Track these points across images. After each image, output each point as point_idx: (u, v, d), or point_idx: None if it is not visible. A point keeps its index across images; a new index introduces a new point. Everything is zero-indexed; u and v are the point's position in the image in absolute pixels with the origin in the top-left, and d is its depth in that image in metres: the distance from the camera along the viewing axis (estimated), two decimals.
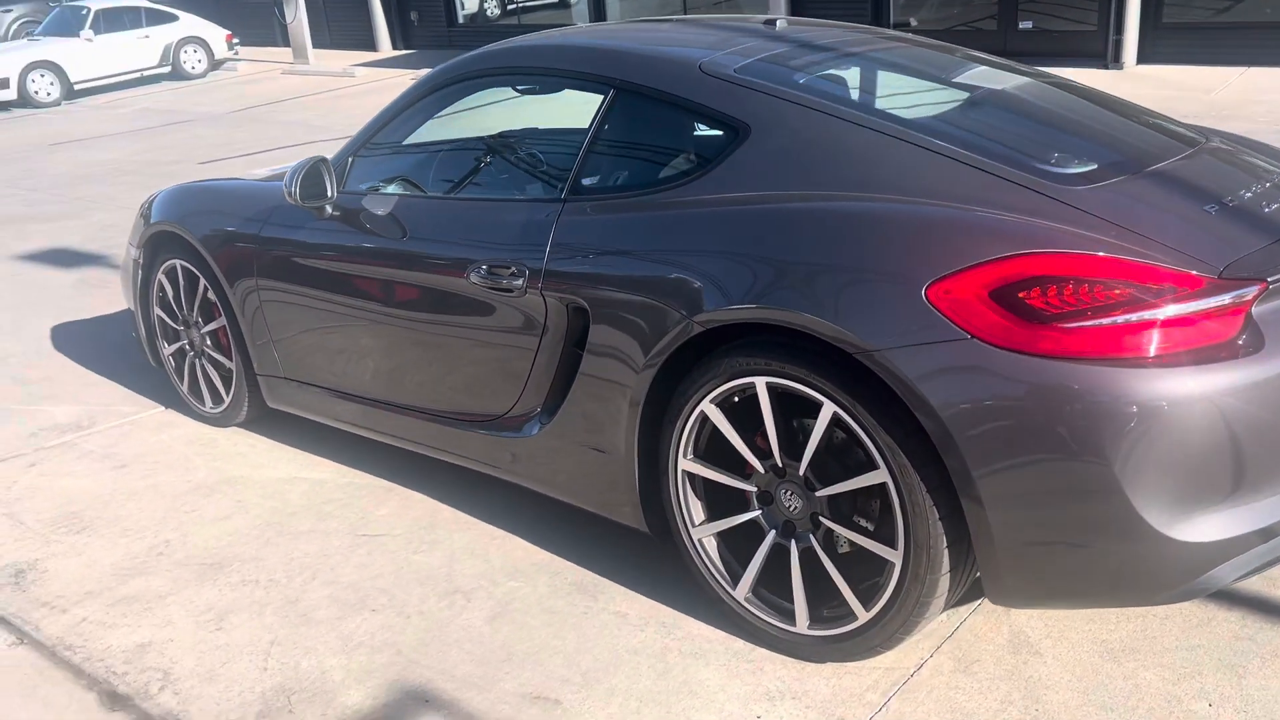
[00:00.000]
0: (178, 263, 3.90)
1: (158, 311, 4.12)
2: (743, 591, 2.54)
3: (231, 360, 3.84)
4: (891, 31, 3.35)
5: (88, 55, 15.31)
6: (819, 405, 2.28)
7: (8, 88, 14.58)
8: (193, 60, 16.44)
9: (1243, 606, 2.56)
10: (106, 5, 15.92)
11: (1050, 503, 2.08)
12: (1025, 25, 12.36)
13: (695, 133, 2.74)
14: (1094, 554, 2.10)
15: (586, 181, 2.83)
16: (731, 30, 3.13)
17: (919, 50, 3.22)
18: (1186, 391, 2.01)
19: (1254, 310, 2.09)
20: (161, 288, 4.05)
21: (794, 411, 2.37)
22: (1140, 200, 2.33)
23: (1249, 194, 2.42)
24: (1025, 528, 2.11)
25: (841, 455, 2.34)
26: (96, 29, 15.48)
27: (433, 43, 17.51)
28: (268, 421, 3.98)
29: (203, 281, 3.81)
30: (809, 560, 2.43)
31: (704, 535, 2.59)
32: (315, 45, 17.67)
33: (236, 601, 2.87)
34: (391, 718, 2.37)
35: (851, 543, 2.36)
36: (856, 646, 2.39)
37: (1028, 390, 2.04)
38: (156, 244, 4.00)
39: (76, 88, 15.35)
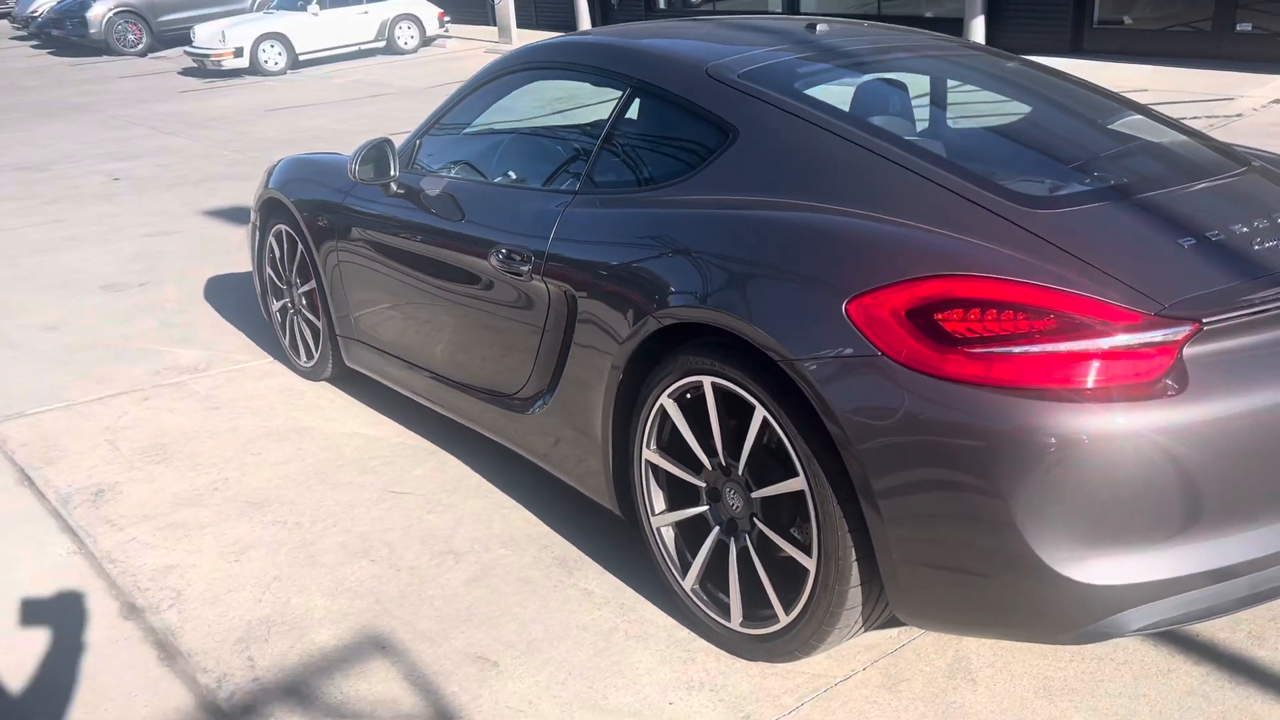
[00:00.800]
0: (283, 228, 4.28)
1: (268, 271, 4.52)
2: (690, 583, 2.61)
3: (319, 320, 4.19)
4: (941, 39, 3.27)
5: (313, 28, 16.49)
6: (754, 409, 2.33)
7: (241, 56, 15.90)
8: (406, 36, 17.41)
9: (1211, 660, 2.43)
10: None
11: (946, 527, 2.06)
12: (1244, 28, 11.44)
13: (694, 134, 2.81)
14: (990, 584, 2.07)
15: (597, 175, 2.95)
16: (765, 33, 3.16)
17: (953, 59, 3.15)
18: (1093, 429, 1.94)
19: (1186, 352, 2.00)
20: (271, 249, 4.44)
21: (738, 413, 2.43)
22: (1105, 228, 2.24)
23: (1247, 229, 2.28)
24: (923, 548, 2.10)
25: (775, 459, 2.38)
26: (322, 4, 16.65)
27: None
28: (350, 379, 4.31)
29: (300, 246, 4.17)
30: (749, 558, 2.48)
31: (662, 524, 2.68)
32: (521, 25, 18.37)
33: (261, 538, 3.17)
34: (345, 658, 2.60)
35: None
36: (778, 649, 2.43)
37: (928, 412, 2.03)
38: (268, 209, 4.39)
39: (301, 58, 16.57)
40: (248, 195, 8.12)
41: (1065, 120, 2.87)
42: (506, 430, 3.21)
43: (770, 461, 2.39)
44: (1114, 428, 1.94)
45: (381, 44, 17.30)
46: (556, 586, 2.86)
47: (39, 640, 2.72)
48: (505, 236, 3.05)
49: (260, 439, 3.89)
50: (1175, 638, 2.51)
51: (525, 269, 2.93)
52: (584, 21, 18.41)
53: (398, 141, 3.62)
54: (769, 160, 2.56)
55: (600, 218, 2.80)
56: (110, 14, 19.38)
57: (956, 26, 12.94)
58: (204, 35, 16.23)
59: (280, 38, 16.18)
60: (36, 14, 21.62)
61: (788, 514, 2.41)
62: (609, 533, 3.09)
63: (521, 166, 3.39)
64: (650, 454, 2.65)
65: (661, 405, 2.56)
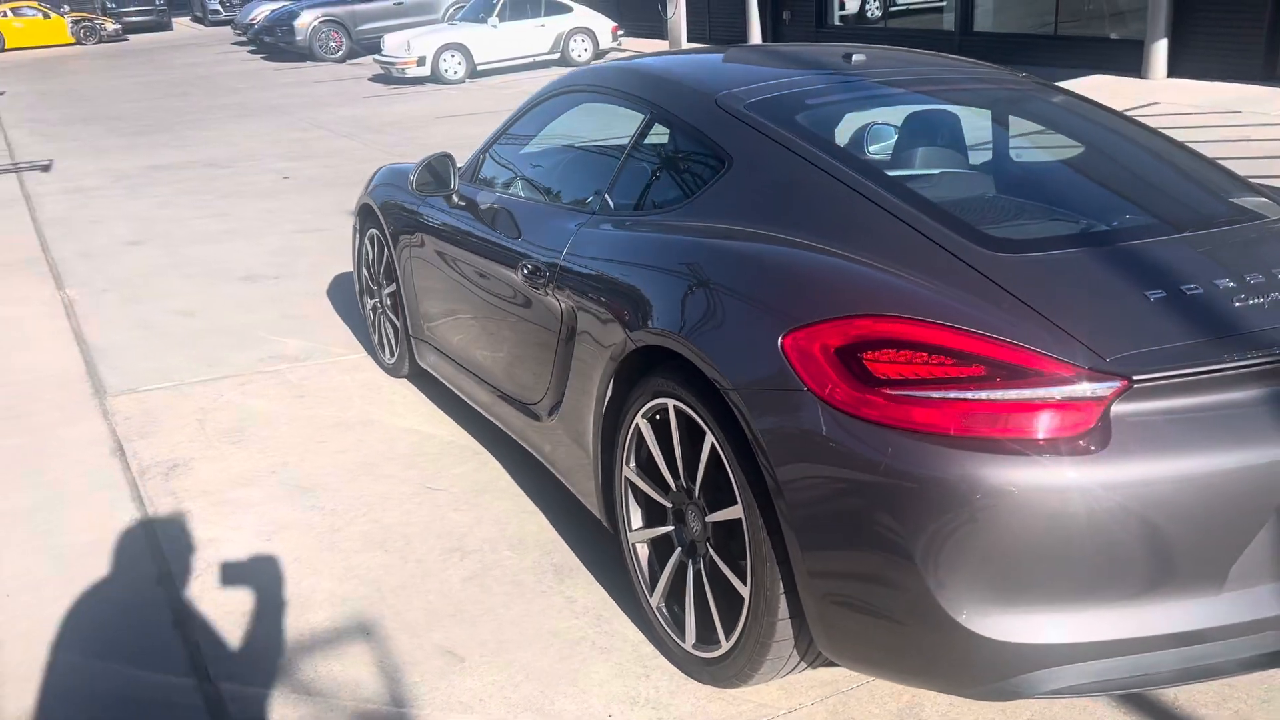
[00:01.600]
0: (374, 231, 4.56)
1: (363, 271, 4.82)
2: (656, 600, 2.66)
3: (399, 319, 4.44)
4: (991, 72, 3.18)
5: (491, 40, 17.19)
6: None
7: (423, 65, 16.74)
8: (579, 49, 17.91)
9: None
10: None
11: (859, 567, 2.04)
12: None
13: (698, 160, 2.85)
14: (901, 630, 2.03)
15: (615, 197, 3.04)
16: (797, 63, 3.17)
17: (986, 94, 3.07)
18: (1005, 481, 1.89)
19: (1116, 409, 1.92)
20: (365, 251, 4.73)
21: (696, 437, 2.46)
22: (1068, 275, 2.17)
23: (1233, 284, 2.16)
24: (839, 586, 2.08)
25: (724, 485, 2.40)
26: (502, 17, 17.34)
27: (801, 42, 17.77)
28: (425, 378, 4.53)
29: (386, 249, 4.43)
30: (703, 581, 2.51)
31: (637, 541, 2.74)
32: (697, 40, 18.61)
33: (297, 521, 3.41)
34: (330, 640, 2.77)
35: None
36: (720, 674, 2.45)
37: (846, 451, 2.02)
38: (364, 214, 4.68)
39: (479, 68, 17.30)
40: None
41: (1082, 160, 2.76)
42: (529, 436, 3.34)
43: (722, 487, 2.42)
44: (1028, 482, 1.89)
45: (556, 56, 17.85)
46: (544, 592, 2.96)
47: (79, 595, 3.02)
48: (532, 250, 3.18)
49: (329, 428, 4.15)
50: (1142, 702, 2.38)
51: (541, 282, 3.05)
52: (754, 37, 18.47)
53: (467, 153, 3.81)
54: (754, 189, 2.59)
55: (605, 238, 2.89)
56: (315, 22, 20.76)
57: (1138, 50, 12.31)
58: (392, 44, 17.17)
59: (461, 48, 16.94)
60: (254, 21, 23.37)
61: (738, 541, 2.43)
62: (610, 545, 3.16)
63: (558, 184, 3.52)
64: (629, 472, 2.71)
65: (637, 425, 2.63)
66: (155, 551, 3.25)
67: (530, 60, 17.74)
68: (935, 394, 1.97)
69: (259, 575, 3.09)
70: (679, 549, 2.58)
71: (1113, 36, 13.31)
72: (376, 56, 17.62)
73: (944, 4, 15.85)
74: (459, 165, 3.83)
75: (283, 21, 21.12)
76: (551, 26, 17.68)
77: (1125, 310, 2.09)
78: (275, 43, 21.39)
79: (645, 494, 2.69)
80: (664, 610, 2.65)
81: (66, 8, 30.64)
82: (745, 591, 2.30)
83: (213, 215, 8.43)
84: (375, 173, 4.74)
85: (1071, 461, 1.89)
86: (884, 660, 2.11)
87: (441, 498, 3.54)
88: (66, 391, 4.65)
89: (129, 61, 23.72)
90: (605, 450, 2.81)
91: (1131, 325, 2.04)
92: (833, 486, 2.04)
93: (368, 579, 3.06)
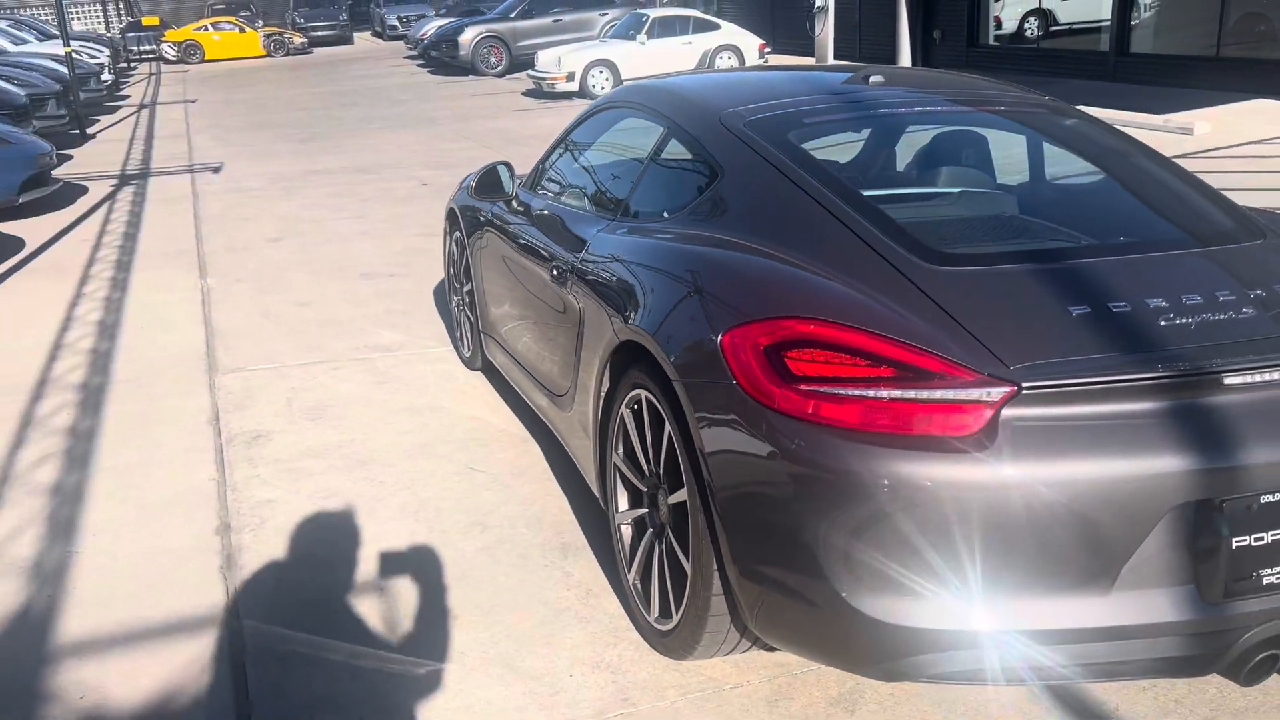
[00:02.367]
0: (457, 233, 4.92)
1: (450, 270, 5.20)
2: (631, 577, 2.88)
3: (474, 316, 4.78)
4: (993, 92, 3.27)
5: (639, 57, 17.62)
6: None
7: (572, 81, 17.32)
8: (724, 66, 18.14)
9: None
10: (664, 14, 18.18)
11: (770, 550, 2.21)
12: None
13: (698, 173, 3.05)
14: (803, 609, 2.19)
15: (632, 204, 3.28)
16: (811, 83, 3.33)
17: (992, 114, 3.16)
18: (895, 474, 2.03)
19: (1007, 414, 2.03)
20: (451, 252, 5.11)
21: (661, 426, 2.67)
22: (997, 288, 2.29)
23: (1166, 304, 2.23)
24: (754, 566, 2.26)
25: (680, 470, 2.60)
26: (650, 34, 17.76)
27: (950, 62, 17.53)
28: (497, 370, 4.86)
29: (465, 250, 4.79)
30: (665, 558, 2.71)
31: (622, 522, 2.96)
32: (845, 57, 18.60)
33: (346, 490, 3.77)
34: (346, 594, 3.10)
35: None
36: (670, 645, 2.64)
37: (761, 441, 2.19)
38: (450, 218, 5.05)
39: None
40: None
41: (1068, 182, 2.83)
42: (556, 424, 3.60)
43: (677, 472, 2.62)
44: (916, 476, 2.03)
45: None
46: (545, 566, 3.21)
47: (149, 539, 3.45)
48: (560, 252, 3.45)
49: (400, 412, 4.52)
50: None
51: (563, 282, 3.31)
52: (904, 56, 18.31)
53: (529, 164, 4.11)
54: (736, 199, 2.79)
55: (612, 242, 3.13)
56: (477, 38, 21.71)
57: None
58: (544, 60, 17.83)
59: (609, 64, 17.45)
60: (423, 37, 24.60)
61: (688, 522, 2.62)
62: None
63: (592, 192, 3.77)
64: (616, 458, 2.94)
65: (621, 415, 2.85)
66: (221, 507, 3.66)
67: None
68: (842, 391, 2.12)
69: (301, 533, 3.46)
70: (650, 530, 2.79)
71: (1277, 58, 12.65)
72: (529, 72, 18.31)
73: (1105, 24, 15.37)
74: (519, 173, 4.13)
75: (448, 37, 22.17)
76: (698, 44, 17.98)
77: (1042, 323, 2.19)
78: (440, 57, 22.46)
79: (628, 479, 2.91)
80: (637, 586, 2.86)
81: (261, 22, 32.92)
82: (688, 568, 2.49)
83: (351, 217, 9.05)
84: (463, 180, 5.11)
85: (957, 459, 2.02)
86: (793, 637, 2.27)
87: (480, 478, 3.84)
88: (186, 368, 5.19)
89: (309, 73, 25.34)
90: (601, 438, 3.05)
91: (1044, 337, 2.15)
92: (750, 473, 2.22)
93: (393, 543, 3.38)
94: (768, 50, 18.77)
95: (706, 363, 2.35)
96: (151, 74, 27.97)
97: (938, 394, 2.06)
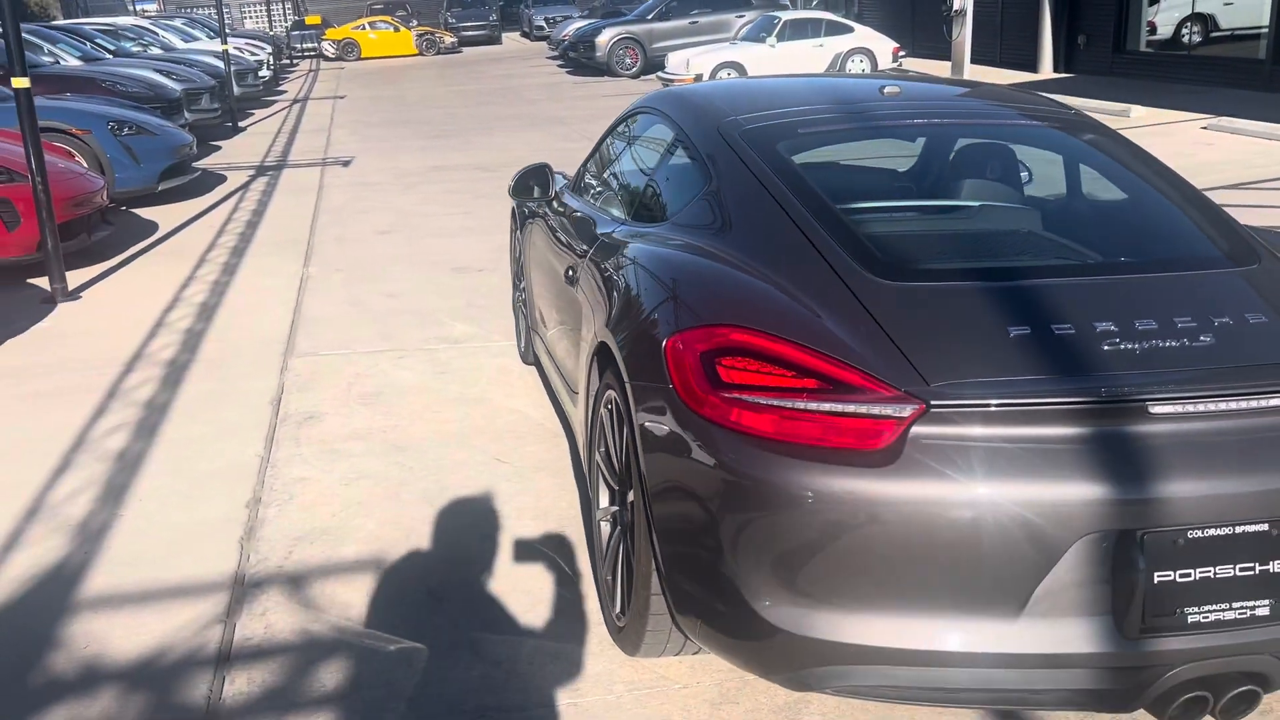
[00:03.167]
0: (517, 230, 5.08)
1: (512, 266, 5.36)
2: (604, 572, 2.94)
3: (526, 310, 4.93)
4: (1011, 107, 3.19)
5: (768, 59, 17.55)
6: None
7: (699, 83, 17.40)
8: (857, 69, 17.90)
9: None
10: (796, 16, 18.06)
11: (690, 551, 2.25)
12: None
13: (694, 179, 3.09)
14: (717, 613, 2.22)
15: (638, 208, 3.34)
16: (822, 93, 3.33)
17: (989, 124, 3.10)
18: (803, 484, 2.05)
19: (916, 431, 2.01)
20: (512, 249, 5.27)
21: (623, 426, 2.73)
22: (937, 306, 2.28)
23: (1115, 329, 2.17)
24: (678, 566, 2.30)
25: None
26: (780, 37, 17.68)
27: (1094, 68, 16.84)
28: None
29: (520, 247, 4.94)
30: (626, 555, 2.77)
31: (601, 518, 3.03)
32: (982, 62, 18.09)
33: (377, 472, 3.95)
34: (348, 569, 3.26)
35: None
36: (622, 641, 2.70)
37: (685, 444, 2.24)
38: (512, 216, 5.21)
39: None
40: None
41: (1060, 199, 2.75)
42: (570, 419, 3.70)
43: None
44: (820, 488, 2.04)
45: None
46: (540, 557, 3.31)
47: (188, 507, 3.71)
48: (574, 253, 3.54)
49: (449, 402, 4.70)
50: None
51: (573, 282, 3.41)
52: (1045, 62, 17.70)
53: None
54: (718, 205, 2.82)
55: (612, 244, 3.20)
56: (614, 40, 22.02)
57: None
58: (674, 62, 17.97)
59: (737, 67, 17.44)
60: (565, 38, 25.10)
61: None
62: None
63: (613, 194, 3.84)
64: (599, 455, 3.01)
65: (600, 414, 2.93)
66: (259, 482, 3.90)
67: None
68: (761, 400, 2.15)
69: (323, 510, 3.65)
70: (620, 527, 2.86)
71: None
72: (659, 74, 18.47)
73: (1263, 30, 14.51)
74: (557, 173, 4.25)
75: (585, 38, 22.56)
76: (830, 47, 17.80)
77: (977, 342, 2.16)
78: (578, 58, 22.88)
79: (606, 477, 2.98)
80: (607, 581, 2.92)
81: (415, 22, 34.17)
82: (635, 566, 2.55)
83: (460, 213, 9.36)
84: None
85: (862, 474, 2.02)
86: (712, 639, 2.30)
87: (503, 469, 3.97)
88: (264, 351, 5.51)
89: (454, 72, 26.18)
90: (590, 436, 3.12)
91: (972, 356, 2.12)
92: (678, 476, 2.27)
93: (405, 526, 3.54)
94: (902, 54, 18.42)
95: (653, 365, 2.40)
96: (311, 70, 29.41)
97: (850, 408, 2.07)
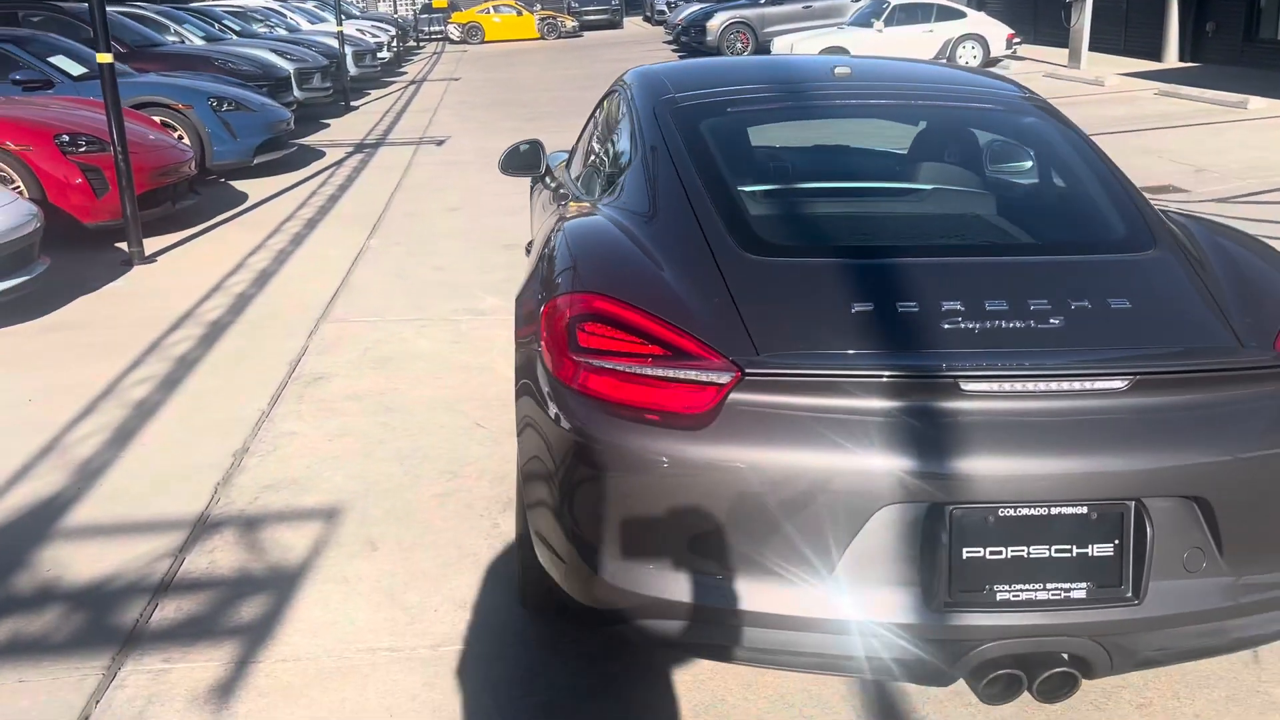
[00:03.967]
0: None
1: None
2: (518, 527, 3.06)
3: None
4: (960, 88, 3.15)
5: (874, 44, 17.26)
6: None
7: None
8: (967, 56, 17.45)
9: None
10: (907, 0, 17.68)
11: (541, 503, 2.35)
12: None
13: (632, 154, 3.16)
14: (558, 564, 2.31)
15: (591, 182, 3.44)
16: (770, 71, 3.36)
17: (929, 106, 3.07)
18: (628, 445, 2.12)
19: (735, 398, 2.07)
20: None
21: None
22: (796, 280, 2.33)
23: (961, 308, 2.17)
24: (534, 518, 2.40)
25: None
26: (889, 21, 17.35)
27: (1222, 57, 16.01)
28: None
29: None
30: None
31: None
32: (1104, 50, 17.44)
33: (360, 430, 4.16)
34: (300, 516, 3.47)
35: None
36: (520, 594, 2.82)
37: (542, 401, 2.34)
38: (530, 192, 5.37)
39: None
40: None
41: (972, 182, 2.73)
42: None
43: None
44: (645, 449, 2.11)
45: (942, 63, 17.52)
46: (481, 516, 3.45)
47: (181, 453, 3.98)
48: (538, 230, 3.66)
49: (454, 369, 4.89)
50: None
51: (529, 251, 3.53)
52: (1170, 50, 16.92)
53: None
54: (634, 179, 2.90)
55: (555, 216, 3.30)
56: (725, 24, 21.97)
57: None
58: (778, 46, 17.85)
59: (842, 51, 17.21)
60: (680, 23, 25.13)
61: None
62: None
63: (577, 174, 3.93)
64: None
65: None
66: (252, 435, 4.15)
67: None
68: (606, 364, 2.23)
69: (298, 462, 3.88)
70: None
71: None
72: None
73: None
74: (548, 152, 4.37)
75: (697, 22, 22.57)
76: (940, 32, 17.38)
77: (816, 316, 2.20)
78: (689, 42, 22.90)
79: None
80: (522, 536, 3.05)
81: (539, 6, 34.71)
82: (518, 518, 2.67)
83: (527, 193, 9.57)
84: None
85: (678, 436, 2.08)
86: (561, 589, 2.40)
87: (480, 434, 4.12)
88: (302, 315, 5.80)
89: (570, 56, 26.51)
90: None
91: (805, 329, 2.16)
92: (534, 430, 2.37)
93: (369, 480, 3.73)
94: (1017, 41, 17.86)
95: (531, 328, 2.51)
96: (435, 53, 30.22)
97: (677, 373, 2.13)
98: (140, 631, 2.84)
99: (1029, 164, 2.92)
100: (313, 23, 22.68)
